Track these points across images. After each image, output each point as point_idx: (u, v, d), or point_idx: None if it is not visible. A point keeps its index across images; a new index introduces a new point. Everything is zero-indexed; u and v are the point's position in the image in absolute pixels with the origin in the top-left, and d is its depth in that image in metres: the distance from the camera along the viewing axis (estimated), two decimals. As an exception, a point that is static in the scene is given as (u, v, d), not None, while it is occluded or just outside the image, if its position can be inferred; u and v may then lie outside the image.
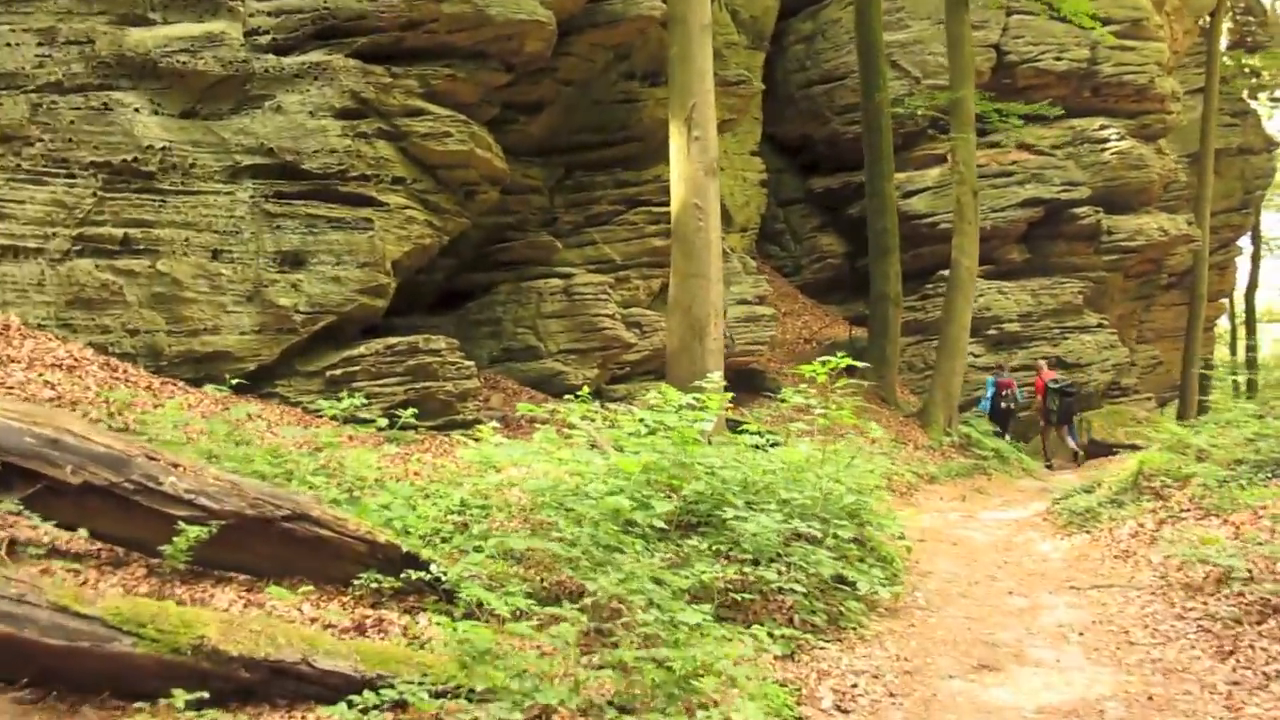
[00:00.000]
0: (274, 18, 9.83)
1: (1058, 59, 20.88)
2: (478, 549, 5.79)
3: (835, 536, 6.22)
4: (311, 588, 5.15)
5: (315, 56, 9.90)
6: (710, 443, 8.55)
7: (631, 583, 4.95)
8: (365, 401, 8.09)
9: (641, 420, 7.01)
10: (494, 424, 8.98)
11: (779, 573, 5.61)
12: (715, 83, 11.61)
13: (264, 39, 9.79)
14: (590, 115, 13.69)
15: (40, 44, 8.95)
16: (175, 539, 4.72)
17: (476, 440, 7.89)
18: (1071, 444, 16.37)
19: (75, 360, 8.40)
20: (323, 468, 6.80)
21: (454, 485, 6.97)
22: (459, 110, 10.64)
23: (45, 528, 5.04)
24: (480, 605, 4.92)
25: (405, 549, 5.24)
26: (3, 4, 8.80)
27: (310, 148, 9.82)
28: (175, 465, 5.08)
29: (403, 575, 5.14)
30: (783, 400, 8.13)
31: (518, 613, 4.99)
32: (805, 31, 21.62)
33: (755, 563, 5.76)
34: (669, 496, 6.63)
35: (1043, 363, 17.86)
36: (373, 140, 10.10)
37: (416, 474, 8.04)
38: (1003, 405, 16.64)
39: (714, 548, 5.85)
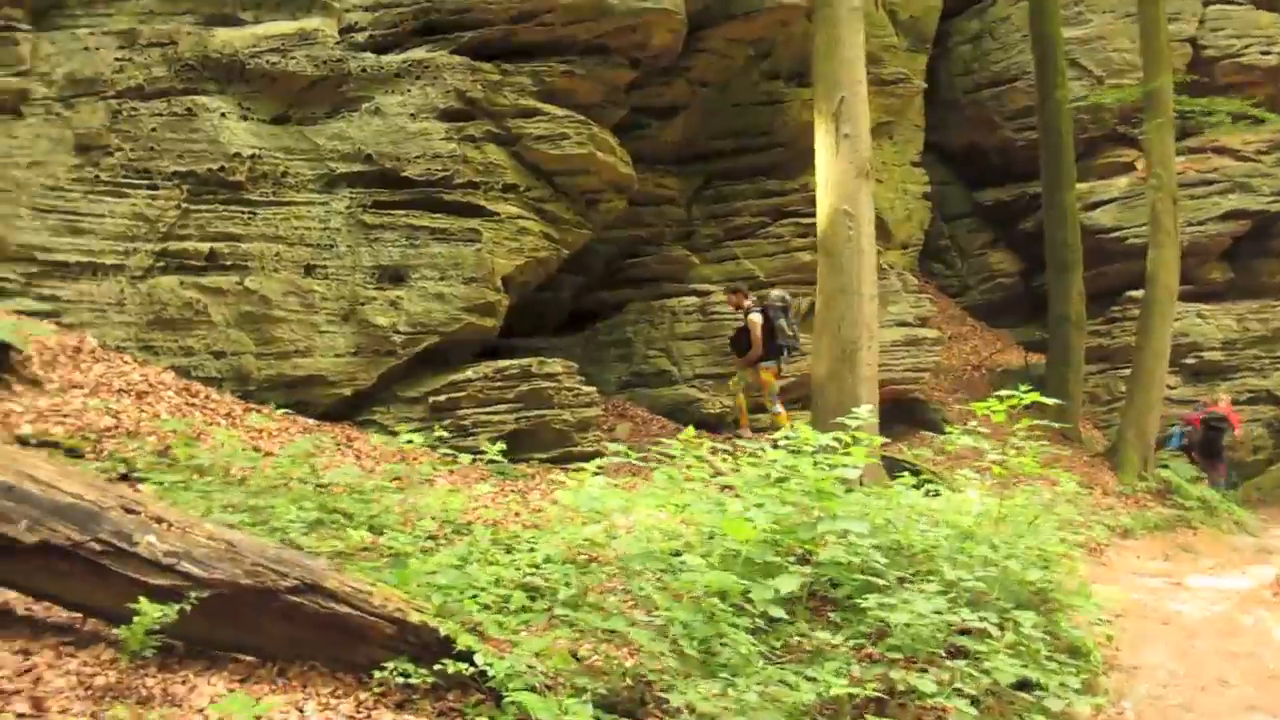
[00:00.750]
0: (372, 13, 9.04)
1: (1265, 53, 18.41)
2: (559, 622, 4.57)
3: (1015, 627, 4.71)
4: (327, 677, 4.03)
5: (417, 54, 9.04)
6: (862, 484, 7.25)
7: (730, 697, 3.61)
8: (448, 433, 7.06)
9: (773, 462, 5.72)
10: (602, 460, 7.81)
11: (939, 683, 4.15)
12: (870, 81, 10.31)
13: (361, 36, 8.99)
14: (730, 119, 12.61)
15: (120, 47, 8.39)
16: (135, 619, 3.65)
17: (580, 479, 6.81)
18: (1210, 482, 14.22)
19: (150, 385, 7.66)
20: (385, 511, 5.75)
21: (546, 536, 5.84)
22: (578, 111, 9.63)
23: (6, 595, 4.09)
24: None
25: (443, 632, 4.05)
26: (82, 6, 8.30)
27: (412, 153, 8.98)
28: (159, 520, 4.04)
29: (439, 666, 3.95)
30: (949, 439, 6.71)
31: (579, 730, 3.73)
32: (971, 31, 19.84)
33: (909, 662, 4.32)
34: (804, 560, 5.32)
35: (1224, 397, 15.64)
36: (481, 144, 9.19)
37: (516, 515, 6.97)
38: (1185, 442, 14.69)
39: (852, 641, 4.44)
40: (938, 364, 15.18)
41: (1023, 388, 6.06)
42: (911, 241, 18.62)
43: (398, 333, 8.85)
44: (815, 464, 5.44)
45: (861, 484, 7.25)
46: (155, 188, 8.42)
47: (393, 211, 9.00)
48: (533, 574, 5.20)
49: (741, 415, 11.39)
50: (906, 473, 7.73)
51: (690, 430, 6.16)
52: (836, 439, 5.69)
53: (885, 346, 13.01)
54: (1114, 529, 10.48)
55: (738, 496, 5.73)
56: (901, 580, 4.83)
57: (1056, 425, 7.99)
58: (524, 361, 9.35)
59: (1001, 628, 4.70)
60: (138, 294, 8.29)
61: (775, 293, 11.39)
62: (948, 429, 7.01)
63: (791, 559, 5.11)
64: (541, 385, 9.29)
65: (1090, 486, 11.92)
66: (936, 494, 6.77)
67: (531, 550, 5.48)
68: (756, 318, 11.04)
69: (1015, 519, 6.01)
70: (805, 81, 12.18)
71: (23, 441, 5.97)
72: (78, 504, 3.92)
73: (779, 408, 11.06)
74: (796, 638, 4.58)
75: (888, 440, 8.36)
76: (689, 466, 5.91)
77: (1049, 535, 5.95)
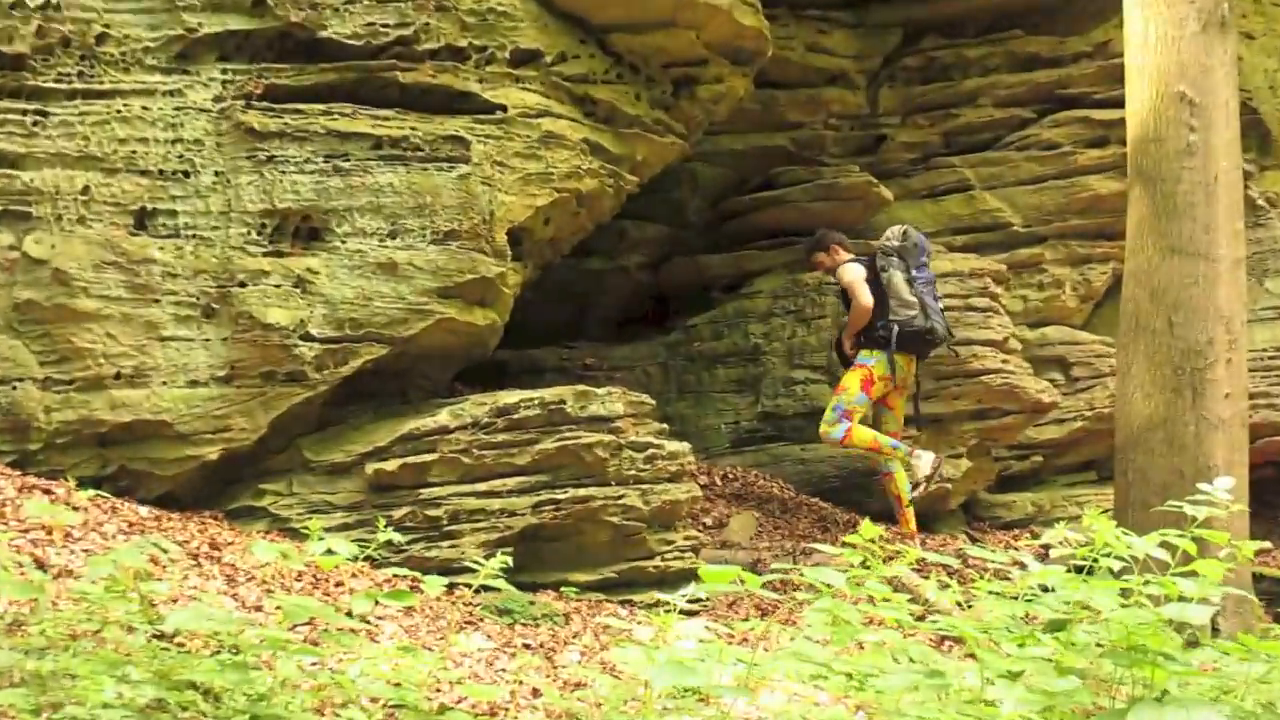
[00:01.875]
0: None
1: None
2: None
3: None
4: None
5: None
6: (1218, 631, 7.18)
7: None
8: (403, 534, 7.12)
9: (1040, 590, 5.70)
10: (700, 587, 7.84)
11: None
12: None
13: None
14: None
15: None
16: None
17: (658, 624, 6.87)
18: None
19: None
20: (281, 687, 5.82)
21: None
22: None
23: None
24: None
25: None
26: None
27: (337, -6, 9.30)
28: None
29: None
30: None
31: None
32: None
33: None
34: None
35: None
36: (470, -26, 9.49)
37: (533, 696, 7.03)
38: None
39: None
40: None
41: None
42: (1312, 151, 18.47)
43: (308, 339, 9.02)
44: (1125, 594, 5.39)
45: (1217, 631, 7.14)
46: None
47: (302, 107, 9.18)
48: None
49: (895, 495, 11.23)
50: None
51: (871, 527, 6.12)
52: (1166, 544, 5.62)
53: (1258, 358, 12.86)
54: None
55: (971, 657, 5.70)
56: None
57: None
58: (551, 394, 9.46)
59: None
60: None
61: (896, 229, 11.39)
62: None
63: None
64: (584, 439, 9.36)
65: None
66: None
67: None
68: (855, 270, 11.14)
69: None
70: None
71: None
72: None
73: (839, 432, 11.00)
74: None
75: (1264, 544, 8.21)
76: (872, 599, 5.89)
77: None
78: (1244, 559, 6.36)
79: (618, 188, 10.20)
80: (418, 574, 7.06)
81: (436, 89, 9.36)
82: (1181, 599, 5.32)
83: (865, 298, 10.94)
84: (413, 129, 9.27)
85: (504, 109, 9.43)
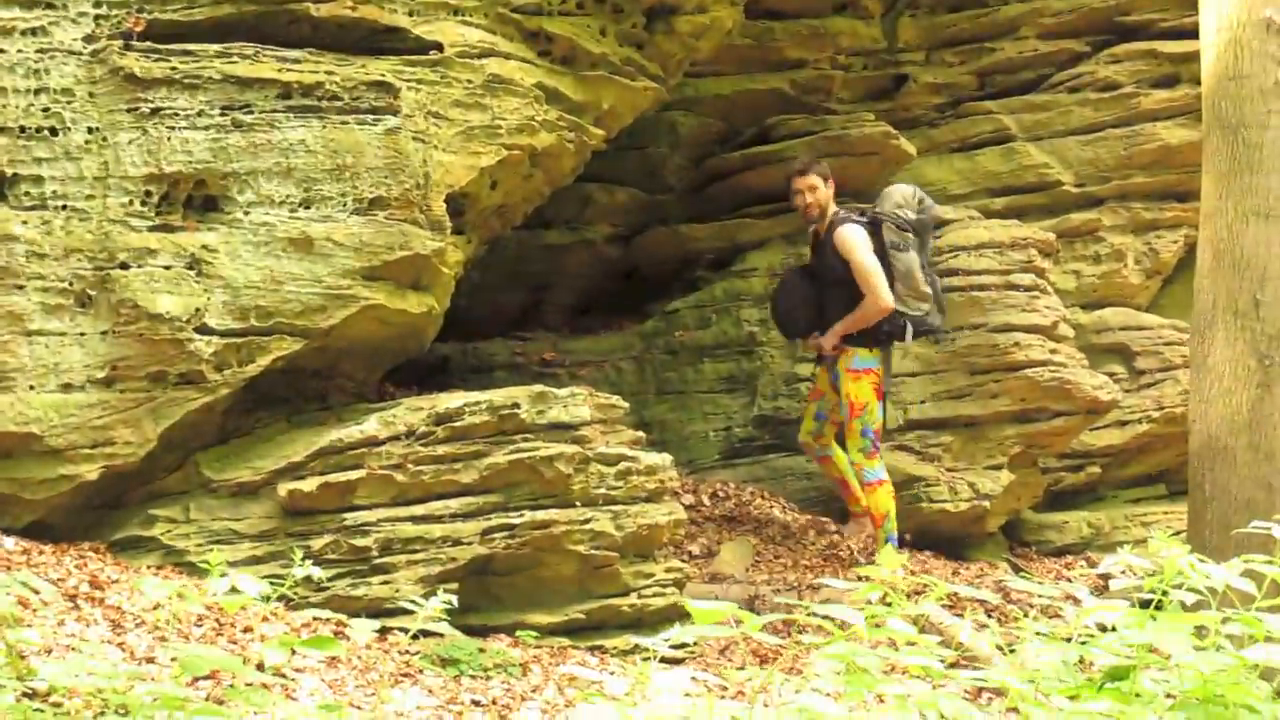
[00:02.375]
0: None
1: None
2: None
3: None
4: None
5: None
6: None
7: None
8: (325, 568, 7.20)
9: (1095, 631, 5.77)
10: (684, 629, 7.94)
11: None
12: None
13: None
14: None
15: None
16: None
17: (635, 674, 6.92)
18: None
19: None
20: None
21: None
22: None
23: None
24: None
25: None
26: None
27: (239, -96, 9.28)
28: None
29: None
30: None
31: None
32: None
33: None
34: None
35: None
36: None
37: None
38: None
39: None
40: None
41: None
42: None
43: (205, 332, 9.01)
44: (1201, 635, 5.44)
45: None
46: None
47: (194, 48, 9.16)
48: None
49: (847, 493, 11.36)
50: None
51: (892, 554, 6.20)
52: (1251, 572, 5.67)
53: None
54: None
55: (1014, 713, 5.76)
56: None
57: None
58: (502, 396, 9.50)
59: None
60: None
61: (908, 193, 11.31)
62: None
63: None
64: (543, 451, 9.41)
65: None
66: None
67: None
68: (865, 244, 10.99)
69: None
70: None
71: None
72: None
73: (878, 473, 11.08)
74: None
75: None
76: (894, 642, 5.95)
77: None
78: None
79: (580, 143, 10.22)
80: (343, 617, 7.13)
81: (357, 24, 9.37)
82: (1269, 640, 5.37)
83: (886, 296, 10.78)
84: (329, 74, 9.26)
85: (440, 48, 9.46)
